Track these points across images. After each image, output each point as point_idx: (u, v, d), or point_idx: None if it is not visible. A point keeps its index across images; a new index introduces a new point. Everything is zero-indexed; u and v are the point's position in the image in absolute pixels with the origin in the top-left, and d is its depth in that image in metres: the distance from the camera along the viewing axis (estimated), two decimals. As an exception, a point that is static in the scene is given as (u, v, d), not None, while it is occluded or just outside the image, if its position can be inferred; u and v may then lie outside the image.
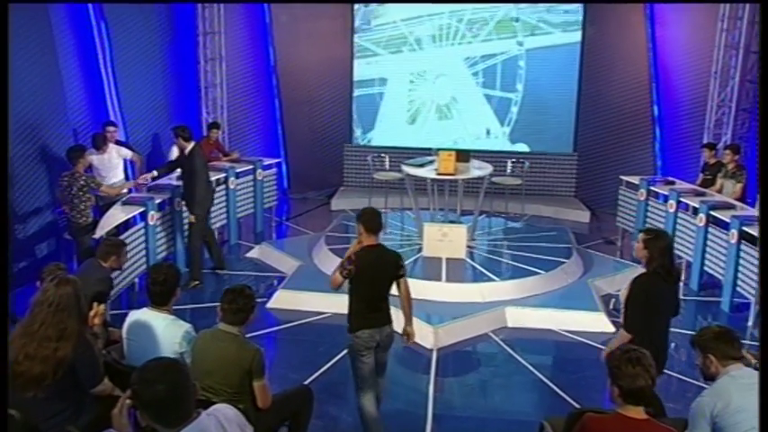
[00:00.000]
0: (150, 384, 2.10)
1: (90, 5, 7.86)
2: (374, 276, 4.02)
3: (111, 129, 7.46)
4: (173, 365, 2.19)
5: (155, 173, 7.10)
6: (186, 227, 6.97)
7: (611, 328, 6.00)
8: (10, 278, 4.06)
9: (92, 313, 3.50)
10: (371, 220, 4.04)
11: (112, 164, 7.14)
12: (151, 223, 6.64)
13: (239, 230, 8.37)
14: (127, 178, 7.54)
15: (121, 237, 6.18)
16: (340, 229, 8.41)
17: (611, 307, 6.48)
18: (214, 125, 8.84)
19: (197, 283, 6.80)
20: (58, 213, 6.81)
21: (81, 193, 6.17)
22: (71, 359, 2.93)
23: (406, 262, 6.75)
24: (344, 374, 5.19)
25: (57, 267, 3.71)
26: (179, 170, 7.00)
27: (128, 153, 7.36)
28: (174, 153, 8.12)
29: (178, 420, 2.11)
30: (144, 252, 6.63)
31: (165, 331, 3.32)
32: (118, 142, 7.51)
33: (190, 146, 6.63)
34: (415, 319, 5.76)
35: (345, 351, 4.29)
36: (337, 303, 6.25)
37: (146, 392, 2.10)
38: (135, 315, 3.46)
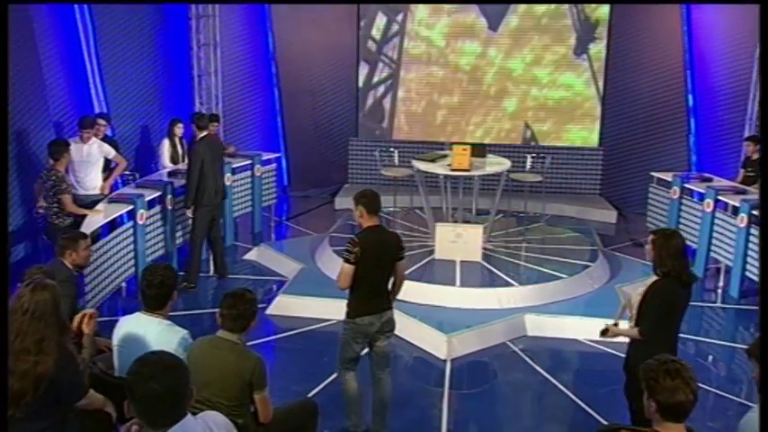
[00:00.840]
0: (146, 380, 2.12)
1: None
2: (378, 258, 4.19)
3: (102, 122, 7.36)
4: (173, 366, 2.20)
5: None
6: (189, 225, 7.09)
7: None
8: (8, 278, 4.02)
9: (79, 319, 3.48)
10: (373, 201, 4.25)
11: (91, 159, 6.90)
12: (140, 223, 6.66)
13: (236, 231, 8.39)
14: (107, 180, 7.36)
15: (106, 238, 6.22)
16: (345, 229, 8.39)
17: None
18: (213, 117, 8.86)
19: (190, 285, 6.85)
20: (35, 212, 6.72)
21: (52, 194, 6.10)
22: (53, 374, 2.89)
23: (417, 265, 6.96)
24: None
25: (39, 270, 3.70)
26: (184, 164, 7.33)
27: (111, 151, 7.19)
28: (166, 146, 8.17)
29: (165, 423, 2.14)
30: (132, 254, 6.64)
31: (160, 338, 3.31)
32: (104, 139, 7.43)
33: (198, 135, 6.87)
34: (426, 327, 5.94)
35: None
36: (343, 310, 6.35)
37: (139, 387, 2.13)
38: (127, 321, 3.47)
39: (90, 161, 6.92)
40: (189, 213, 6.83)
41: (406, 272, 4.54)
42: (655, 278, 3.81)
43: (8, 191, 6.23)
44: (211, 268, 7.50)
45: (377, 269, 4.20)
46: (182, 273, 6.79)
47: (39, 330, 2.90)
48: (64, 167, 6.24)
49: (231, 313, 3.37)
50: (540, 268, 7.08)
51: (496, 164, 7.73)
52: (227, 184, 8.08)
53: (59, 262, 4.45)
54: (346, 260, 4.15)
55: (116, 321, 3.61)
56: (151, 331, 3.36)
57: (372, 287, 4.22)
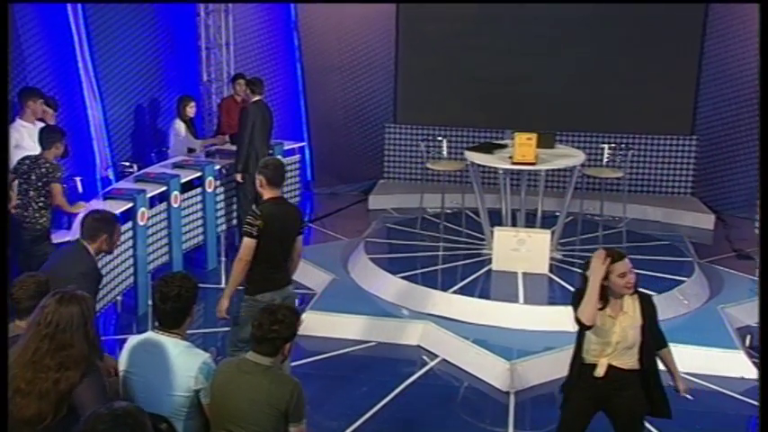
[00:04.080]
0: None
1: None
2: (280, 231, 4.88)
3: (49, 110, 6.92)
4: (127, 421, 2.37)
5: None
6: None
7: (754, 372, 5.86)
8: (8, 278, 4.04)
9: None
10: (276, 172, 4.95)
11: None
12: (141, 224, 6.74)
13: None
14: None
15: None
16: (382, 233, 8.43)
17: (746, 344, 6.35)
18: (237, 76, 8.97)
19: None
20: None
21: (40, 185, 6.01)
22: (76, 392, 2.95)
23: (471, 278, 6.94)
24: (396, 423, 5.22)
25: (33, 280, 3.72)
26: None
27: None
28: (181, 126, 8.29)
29: None
30: (131, 262, 6.73)
31: (178, 362, 3.31)
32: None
33: (252, 99, 7.91)
34: (484, 353, 5.94)
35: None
36: (384, 329, 6.41)
37: None
38: (137, 341, 3.47)
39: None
40: (239, 178, 7.73)
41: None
42: (637, 299, 4.09)
43: (7, 191, 6.23)
44: (223, 279, 7.61)
45: (278, 243, 4.88)
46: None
47: (63, 345, 2.98)
48: (53, 158, 6.26)
49: (256, 335, 3.39)
50: (622, 283, 7.01)
51: (568, 156, 7.66)
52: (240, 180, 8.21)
53: (82, 247, 4.39)
54: (248, 234, 4.80)
55: (111, 342, 3.63)
56: (167, 354, 3.35)
57: (273, 262, 4.88)
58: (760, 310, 4.05)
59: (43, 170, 6.07)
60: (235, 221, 8.17)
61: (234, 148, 8.14)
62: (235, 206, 8.18)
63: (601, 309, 3.97)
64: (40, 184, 6.07)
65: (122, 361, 3.50)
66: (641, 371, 4.03)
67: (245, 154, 7.71)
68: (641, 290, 4.16)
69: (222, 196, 8.06)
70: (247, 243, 4.80)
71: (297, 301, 5.28)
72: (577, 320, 3.99)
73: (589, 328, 3.98)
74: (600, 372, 4.03)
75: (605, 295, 3.98)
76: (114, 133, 8.75)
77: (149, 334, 3.50)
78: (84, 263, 4.31)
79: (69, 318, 3.01)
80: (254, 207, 4.95)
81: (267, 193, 4.94)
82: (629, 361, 4.03)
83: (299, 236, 5.04)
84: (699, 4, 9.61)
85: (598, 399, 4.10)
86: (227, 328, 6.60)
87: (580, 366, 4.11)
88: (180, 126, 8.38)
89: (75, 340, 3.00)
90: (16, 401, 2.92)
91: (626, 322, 4.01)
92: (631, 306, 4.04)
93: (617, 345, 3.99)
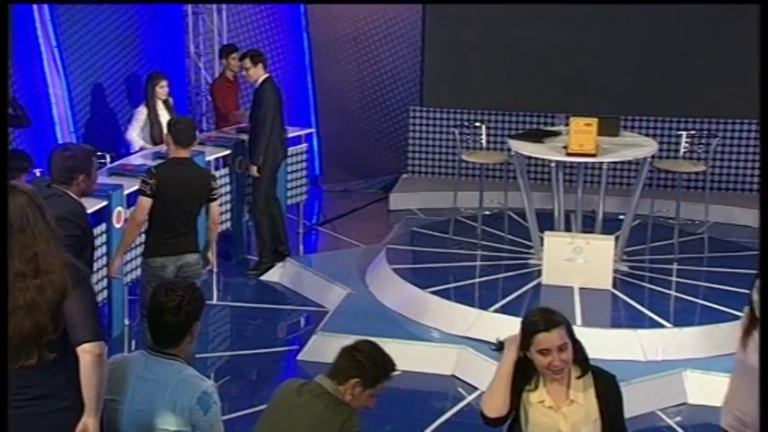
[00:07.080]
0: None
1: None
2: (178, 194, 5.54)
3: None
4: None
5: None
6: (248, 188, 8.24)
7: None
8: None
9: None
10: (185, 132, 5.64)
11: None
12: (117, 225, 6.79)
13: (249, 239, 8.51)
14: None
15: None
16: (406, 238, 8.47)
17: None
18: (230, 48, 9.05)
19: (267, 266, 8.01)
20: None
21: None
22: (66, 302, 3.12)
23: (516, 294, 6.97)
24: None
25: None
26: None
27: None
28: (140, 115, 8.27)
29: None
30: (105, 272, 6.76)
31: (174, 390, 3.28)
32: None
33: (262, 77, 7.96)
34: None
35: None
36: (411, 355, 6.38)
37: None
38: (122, 363, 3.46)
39: None
40: (254, 172, 7.91)
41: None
42: (591, 383, 3.54)
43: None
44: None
45: (174, 207, 5.55)
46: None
47: (26, 245, 3.11)
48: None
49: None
50: (704, 302, 7.01)
51: (635, 146, 7.68)
52: (239, 172, 8.29)
53: (60, 194, 4.45)
54: (142, 192, 5.53)
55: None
56: (161, 381, 3.35)
57: (170, 226, 5.56)
58: (761, 311, 3.96)
59: None
60: (229, 224, 8.23)
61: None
62: (230, 205, 8.24)
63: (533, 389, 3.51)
64: None
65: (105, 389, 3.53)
66: None
67: (266, 140, 7.86)
68: (600, 368, 3.61)
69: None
70: (140, 202, 5.56)
71: (202, 276, 5.84)
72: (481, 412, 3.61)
73: (496, 423, 3.59)
74: None
75: (537, 374, 3.48)
76: (81, 116, 8.82)
77: (139, 355, 3.53)
78: (63, 206, 4.36)
79: (20, 211, 3.13)
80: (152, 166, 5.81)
81: (174, 153, 5.64)
82: None
83: (212, 203, 5.72)
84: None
85: None
86: (219, 353, 6.76)
87: None
88: (139, 114, 8.32)
89: (37, 235, 3.13)
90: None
91: (576, 416, 3.49)
92: (582, 392, 3.51)
93: None
